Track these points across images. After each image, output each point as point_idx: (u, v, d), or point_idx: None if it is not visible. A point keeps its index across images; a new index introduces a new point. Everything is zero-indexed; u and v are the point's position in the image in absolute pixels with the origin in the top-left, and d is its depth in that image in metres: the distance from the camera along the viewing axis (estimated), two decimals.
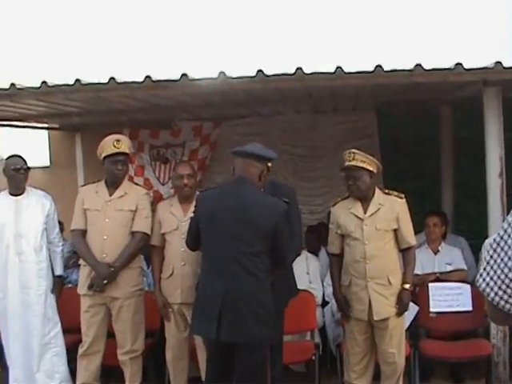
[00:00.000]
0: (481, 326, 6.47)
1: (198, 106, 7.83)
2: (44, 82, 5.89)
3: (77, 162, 9.72)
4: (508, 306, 2.25)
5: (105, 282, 5.87)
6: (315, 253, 7.73)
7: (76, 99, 6.57)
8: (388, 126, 9.25)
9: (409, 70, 5.53)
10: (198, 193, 5.48)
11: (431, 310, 6.52)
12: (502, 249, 2.25)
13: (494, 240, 2.30)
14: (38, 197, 6.35)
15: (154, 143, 9.67)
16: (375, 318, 5.63)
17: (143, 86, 5.82)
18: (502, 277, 2.23)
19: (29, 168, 6.25)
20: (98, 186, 6.17)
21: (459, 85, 6.12)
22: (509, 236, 2.26)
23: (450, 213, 8.29)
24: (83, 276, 6.06)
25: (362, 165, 5.65)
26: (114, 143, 5.96)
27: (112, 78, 5.79)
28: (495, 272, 2.25)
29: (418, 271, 6.92)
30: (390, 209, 5.71)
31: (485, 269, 2.31)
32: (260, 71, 5.54)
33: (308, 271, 7.25)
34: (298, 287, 6.56)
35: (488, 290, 2.28)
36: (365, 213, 5.71)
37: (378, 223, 5.67)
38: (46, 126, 9.66)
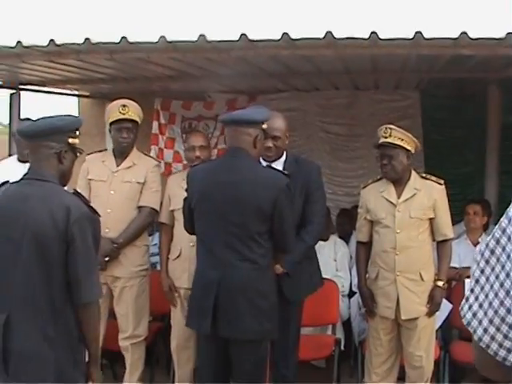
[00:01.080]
0: None
1: (228, 76, 7.05)
2: (52, 41, 5.16)
3: (106, 130, 9.05)
4: (503, 352, 1.39)
5: (106, 259, 5.20)
6: (346, 238, 6.95)
7: (88, 60, 5.84)
8: (432, 108, 8.38)
9: (453, 39, 4.69)
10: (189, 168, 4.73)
11: None
12: (498, 259, 1.41)
13: (487, 246, 1.44)
14: None
15: (186, 115, 8.96)
16: (403, 317, 4.86)
17: (157, 47, 5.06)
18: (496, 304, 1.39)
19: None
20: (105, 155, 5.50)
21: (509, 60, 5.25)
22: (509, 239, 1.39)
23: (493, 202, 7.39)
24: None
25: (399, 142, 4.87)
26: (120, 109, 5.30)
27: (124, 38, 5.02)
28: (486, 296, 1.42)
29: (455, 264, 6.11)
30: (427, 195, 4.92)
31: (472, 290, 1.46)
32: (285, 34, 4.73)
33: (335, 258, 6.50)
34: (324, 275, 5.88)
35: (475, 323, 1.45)
36: (398, 198, 4.93)
37: (413, 210, 4.88)
38: (75, 93, 9.02)
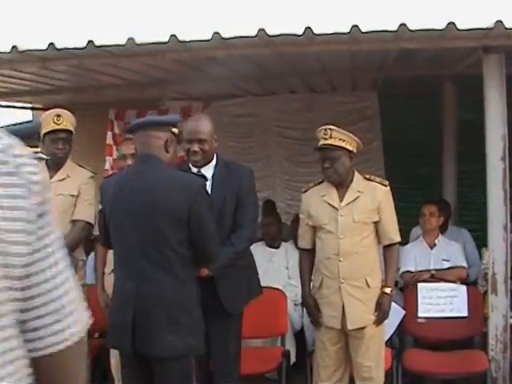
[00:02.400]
0: (477, 334, 5.25)
1: (191, 80, 6.75)
2: (14, 47, 4.76)
3: None
4: None
5: None
6: None
7: (55, 68, 5.52)
8: (390, 108, 8.07)
9: (391, 31, 4.35)
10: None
11: (420, 314, 5.31)
12: None
13: None
14: None
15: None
16: (349, 327, 4.50)
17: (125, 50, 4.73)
18: None
19: None
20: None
21: (455, 52, 4.94)
22: None
23: (453, 202, 7.06)
24: None
25: (340, 143, 4.52)
26: (54, 119, 4.93)
27: (90, 42, 4.66)
28: None
29: (410, 268, 5.80)
30: (371, 197, 4.56)
31: None
32: (262, 30, 4.38)
33: (287, 266, 6.13)
34: (276, 283, 5.52)
35: None
36: (341, 201, 4.57)
37: (356, 214, 4.52)
38: (29, 105, 8.66)
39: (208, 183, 4.39)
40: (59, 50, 4.75)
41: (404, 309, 5.17)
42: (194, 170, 4.44)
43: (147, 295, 3.70)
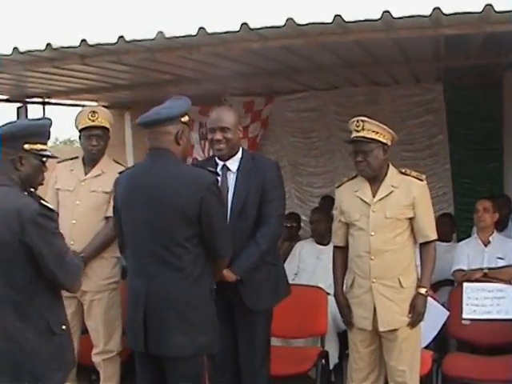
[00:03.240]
0: None
1: (250, 74, 6.56)
2: (84, 41, 4.64)
3: (126, 140, 8.69)
4: None
5: None
6: None
7: (126, 62, 5.36)
8: (456, 100, 7.65)
9: (424, 16, 4.01)
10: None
11: (464, 316, 4.93)
12: None
13: None
14: None
15: (203, 120, 8.45)
16: (380, 329, 4.22)
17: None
18: None
19: None
20: (75, 163, 5.05)
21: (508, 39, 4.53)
22: None
23: None
24: None
25: (373, 136, 4.25)
26: (89, 115, 4.86)
27: (160, 33, 4.43)
28: None
29: (463, 266, 5.43)
30: (405, 192, 4.26)
31: None
32: (290, 19, 4.13)
33: None
34: (324, 282, 5.40)
35: None
36: (373, 196, 4.28)
37: (388, 210, 4.23)
38: (95, 104, 8.66)
39: (233, 176, 4.27)
40: (129, 42, 4.58)
41: (448, 309, 4.80)
42: (221, 163, 4.29)
43: (157, 294, 3.57)
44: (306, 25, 4.18)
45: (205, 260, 3.65)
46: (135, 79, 6.79)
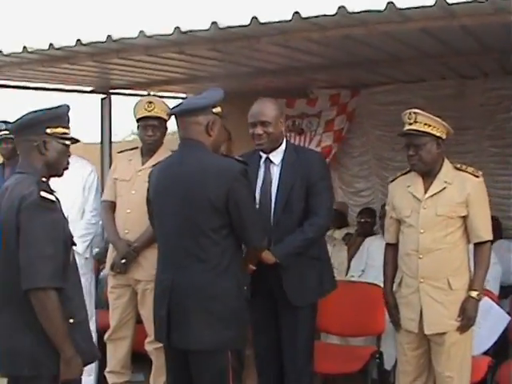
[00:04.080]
0: None
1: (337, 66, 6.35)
2: (177, 28, 4.55)
3: None
4: None
5: (123, 261, 4.73)
6: None
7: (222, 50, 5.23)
8: None
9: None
10: None
11: None
12: None
13: None
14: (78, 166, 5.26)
15: (289, 113, 8.35)
16: (426, 331, 3.97)
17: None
18: None
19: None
20: (134, 153, 5.03)
21: None
22: None
23: None
24: (109, 253, 4.97)
25: (426, 129, 3.99)
26: (146, 105, 4.83)
27: (296, 13, 4.18)
28: None
29: None
30: (459, 189, 3.98)
31: None
32: (391, 3, 3.85)
33: None
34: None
35: None
36: (425, 192, 4.02)
37: (440, 207, 3.96)
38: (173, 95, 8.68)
39: (276, 169, 4.17)
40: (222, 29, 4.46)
41: (509, 314, 4.46)
42: (264, 156, 4.19)
43: (182, 286, 3.49)
44: (408, 9, 3.92)
45: (234, 253, 3.54)
46: (224, 70, 6.72)
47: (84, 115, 7.78)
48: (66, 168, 3.39)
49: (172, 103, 4.74)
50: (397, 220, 4.18)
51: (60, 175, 3.34)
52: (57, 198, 3.18)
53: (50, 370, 3.07)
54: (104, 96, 7.28)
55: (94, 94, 7.33)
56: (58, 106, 3.31)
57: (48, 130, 3.19)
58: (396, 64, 6.31)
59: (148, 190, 3.80)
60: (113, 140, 7.51)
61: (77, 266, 3.38)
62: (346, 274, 5.97)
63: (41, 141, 3.18)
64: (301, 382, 4.19)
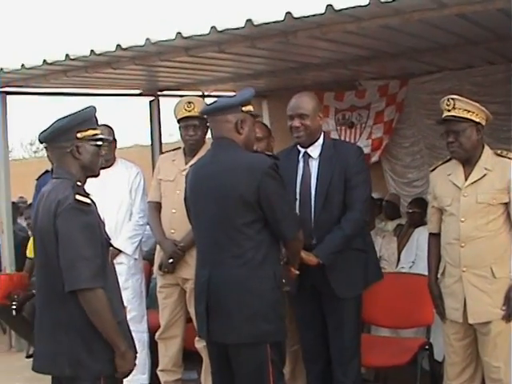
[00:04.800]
0: None
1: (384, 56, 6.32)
2: (213, 27, 4.66)
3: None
4: None
5: (170, 261, 4.77)
6: None
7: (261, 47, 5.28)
8: None
9: None
10: None
11: None
12: None
13: None
14: (124, 169, 5.33)
15: (338, 106, 8.32)
16: (470, 321, 3.89)
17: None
18: None
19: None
20: (177, 154, 5.07)
21: None
22: None
23: None
24: (157, 253, 5.02)
25: (465, 115, 3.93)
26: (185, 106, 4.85)
27: (329, 6, 4.20)
28: None
29: None
30: (500, 176, 3.89)
31: None
32: None
33: None
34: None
35: None
36: (466, 180, 3.94)
37: (481, 194, 3.88)
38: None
39: (315, 163, 4.16)
40: (257, 25, 4.51)
41: None
42: (302, 151, 4.19)
43: (218, 281, 3.50)
44: None
45: (268, 246, 3.52)
46: (268, 67, 6.72)
47: (136, 118, 7.86)
48: (102, 168, 3.44)
49: None
50: (439, 209, 4.11)
51: (97, 175, 3.38)
52: (92, 201, 3.22)
53: (91, 370, 3.12)
54: (152, 98, 7.35)
55: (143, 97, 7.41)
56: (85, 109, 3.34)
57: (78, 135, 3.22)
58: (440, 52, 6.23)
59: (185, 189, 3.82)
60: (168, 141, 7.60)
61: (114, 267, 3.41)
62: (397, 266, 5.88)
63: (73, 146, 3.22)
64: (348, 375, 4.15)
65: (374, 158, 8.18)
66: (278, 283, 3.54)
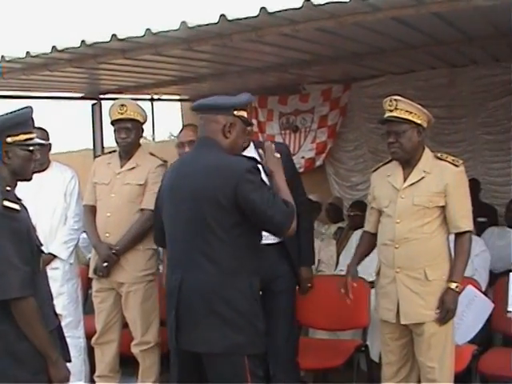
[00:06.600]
0: None
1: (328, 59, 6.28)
2: (148, 30, 4.51)
3: None
4: None
5: (104, 264, 4.70)
6: None
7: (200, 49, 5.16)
8: None
9: None
10: None
11: (509, 308, 4.44)
12: None
13: None
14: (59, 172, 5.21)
15: (282, 110, 8.33)
16: (402, 321, 3.90)
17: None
18: None
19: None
20: (112, 157, 5.01)
21: None
22: None
23: None
24: (92, 257, 4.94)
25: (406, 116, 3.92)
26: (118, 109, 4.80)
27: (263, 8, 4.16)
28: None
29: None
30: (437, 179, 3.89)
31: None
32: None
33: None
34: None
35: None
36: (404, 182, 3.95)
37: (417, 197, 3.88)
38: (177, 98, 8.66)
39: None
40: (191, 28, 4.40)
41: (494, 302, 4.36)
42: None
43: (189, 286, 3.34)
44: None
45: (246, 254, 3.37)
46: (211, 70, 6.65)
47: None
48: (35, 172, 3.32)
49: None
50: (377, 210, 4.11)
51: (29, 180, 3.25)
52: (24, 206, 3.13)
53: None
54: (94, 102, 7.25)
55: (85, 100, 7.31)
56: (20, 111, 3.20)
57: (8, 139, 3.08)
58: (379, 56, 6.25)
59: (160, 188, 3.76)
60: (113, 145, 7.48)
61: (46, 274, 3.31)
62: (335, 269, 5.89)
63: (1, 151, 3.08)
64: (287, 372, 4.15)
65: (319, 162, 8.23)
66: (255, 295, 3.40)
